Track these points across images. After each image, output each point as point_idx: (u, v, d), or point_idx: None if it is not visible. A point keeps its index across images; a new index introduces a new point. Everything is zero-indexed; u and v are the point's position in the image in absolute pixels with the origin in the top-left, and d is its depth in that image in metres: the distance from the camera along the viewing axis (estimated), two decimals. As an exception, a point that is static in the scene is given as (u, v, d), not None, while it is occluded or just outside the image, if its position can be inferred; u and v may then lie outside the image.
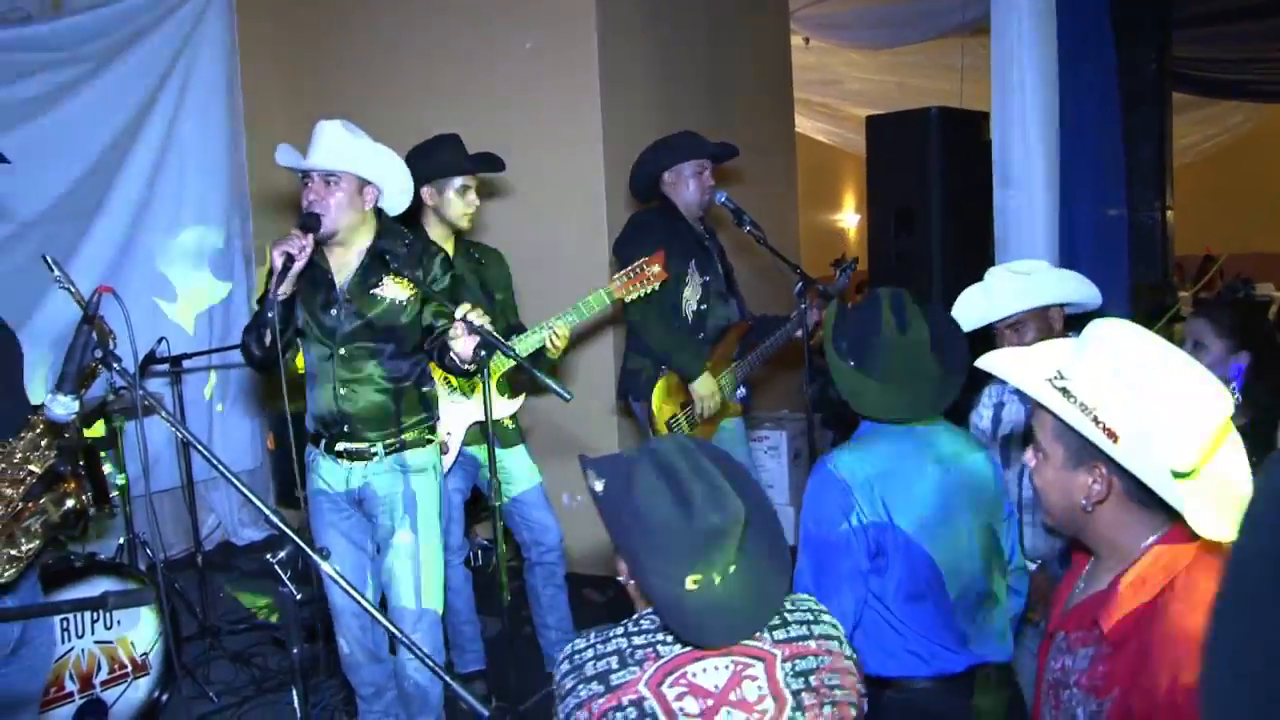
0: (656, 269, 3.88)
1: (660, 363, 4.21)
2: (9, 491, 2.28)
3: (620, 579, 1.85)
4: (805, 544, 2.43)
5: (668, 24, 6.05)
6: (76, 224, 5.21)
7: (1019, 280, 3.17)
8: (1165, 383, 1.56)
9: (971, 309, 3.15)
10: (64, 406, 2.18)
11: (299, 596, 2.07)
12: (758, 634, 1.73)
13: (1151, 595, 1.60)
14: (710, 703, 1.66)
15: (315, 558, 2.06)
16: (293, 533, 2.05)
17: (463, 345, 3.08)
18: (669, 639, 1.71)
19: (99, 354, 2.18)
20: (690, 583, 1.69)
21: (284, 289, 3.03)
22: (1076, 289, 3.24)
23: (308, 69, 6.31)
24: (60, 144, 5.09)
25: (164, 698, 3.99)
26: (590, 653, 1.73)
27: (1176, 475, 1.55)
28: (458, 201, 3.93)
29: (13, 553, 2.31)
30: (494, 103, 5.65)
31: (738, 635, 1.72)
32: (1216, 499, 1.56)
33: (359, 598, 2.04)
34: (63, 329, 4.63)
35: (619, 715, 1.64)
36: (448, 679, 2.03)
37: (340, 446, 3.34)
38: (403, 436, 3.37)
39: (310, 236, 3.10)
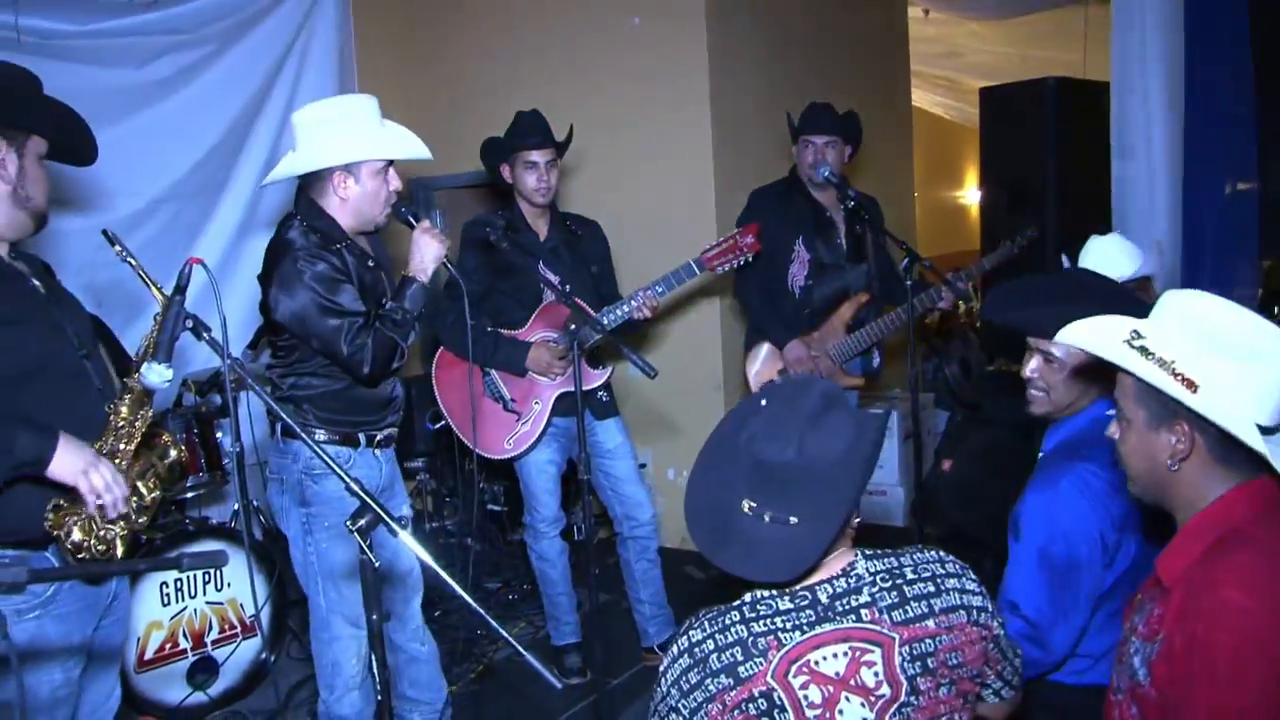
0: (750, 240, 3.91)
1: (757, 331, 4.35)
2: (124, 447, 2.40)
3: None
4: (1043, 561, 2.30)
5: (779, -4, 5.97)
6: (203, 200, 5.38)
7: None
8: (1240, 334, 1.61)
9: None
10: (158, 375, 2.26)
11: (377, 565, 2.10)
12: (877, 615, 1.69)
13: (1209, 542, 1.65)
14: (831, 690, 1.66)
15: (395, 527, 2.10)
16: (373, 501, 2.09)
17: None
18: (788, 625, 1.69)
19: (189, 324, 2.26)
20: (747, 506, 1.70)
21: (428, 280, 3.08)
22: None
23: (420, 49, 6.42)
24: (187, 123, 5.24)
25: (271, 658, 4.14)
26: (711, 644, 1.70)
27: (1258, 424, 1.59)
28: (527, 177, 3.95)
29: (139, 501, 2.46)
30: (603, 78, 5.68)
31: (760, 577, 1.71)
32: None
33: (446, 577, 2.07)
34: (191, 305, 4.82)
35: (750, 707, 1.64)
36: (519, 648, 2.06)
37: (381, 435, 3.23)
38: None
39: None
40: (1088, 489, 2.25)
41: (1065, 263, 3.49)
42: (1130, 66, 4.32)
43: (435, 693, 3.49)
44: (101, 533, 2.34)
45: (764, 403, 1.75)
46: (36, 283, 2.45)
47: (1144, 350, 1.66)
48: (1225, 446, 1.65)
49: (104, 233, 2.44)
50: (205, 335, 2.27)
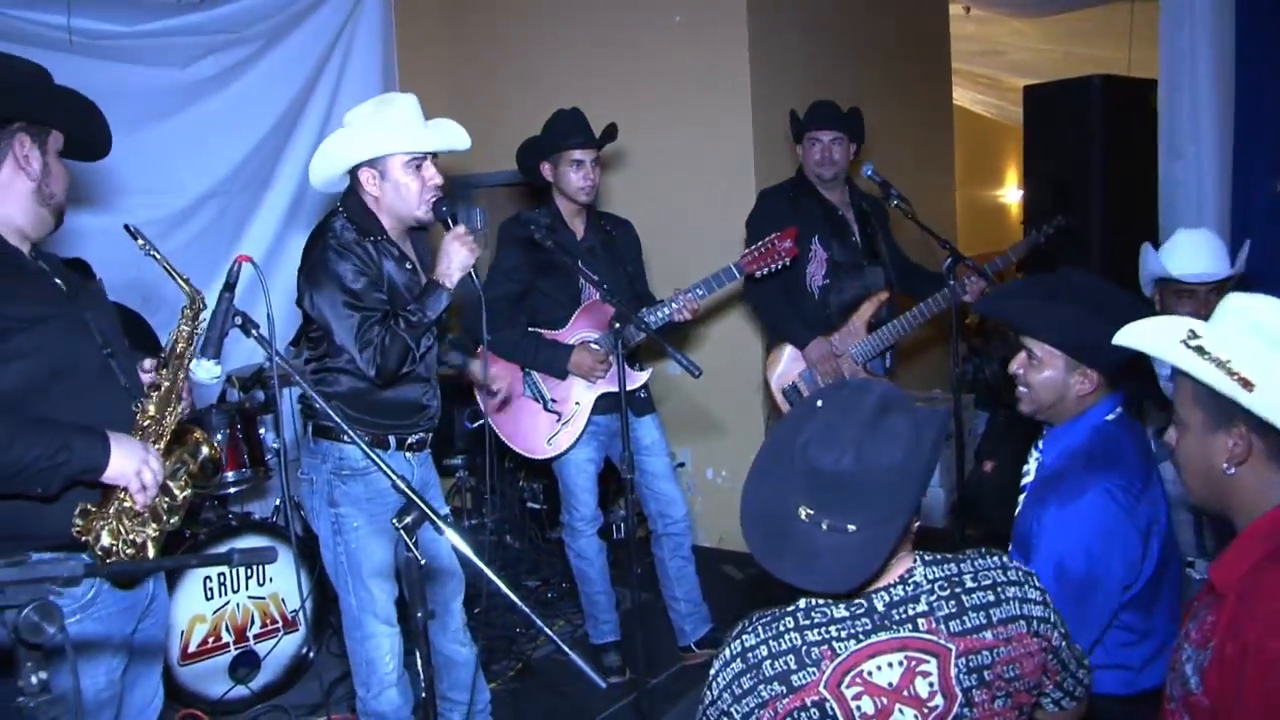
0: (788, 244, 3.91)
1: (775, 333, 4.30)
2: (152, 445, 2.35)
3: None
4: (1059, 575, 2.23)
5: (820, -6, 5.95)
6: (247, 197, 5.42)
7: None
8: None
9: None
10: (207, 371, 2.28)
11: (423, 563, 2.11)
12: (934, 625, 1.67)
13: (1266, 548, 1.61)
14: (885, 701, 1.64)
15: (440, 524, 2.11)
16: (418, 499, 2.10)
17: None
18: (843, 634, 1.67)
19: (238, 320, 2.28)
20: (803, 513, 1.66)
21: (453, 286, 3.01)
22: None
23: (461, 48, 6.44)
24: (232, 121, 5.29)
25: (311, 653, 4.17)
26: (764, 650, 1.68)
27: None
28: (572, 175, 3.95)
29: (170, 501, 2.43)
30: (644, 77, 5.67)
31: (818, 588, 1.66)
32: None
33: (490, 574, 2.07)
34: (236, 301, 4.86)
35: (802, 715, 1.64)
36: (564, 646, 2.06)
37: (413, 439, 3.21)
38: None
39: None
40: (1113, 503, 2.20)
41: (1150, 252, 3.45)
42: (1179, 65, 4.26)
43: (475, 694, 3.50)
44: (131, 536, 2.32)
45: (820, 404, 1.72)
46: (58, 281, 2.40)
47: (1200, 350, 1.64)
48: None
49: (126, 227, 2.41)
50: (254, 332, 2.29)
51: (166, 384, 2.41)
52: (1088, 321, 2.25)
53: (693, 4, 5.56)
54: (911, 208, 4.08)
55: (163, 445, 2.40)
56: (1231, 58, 4.31)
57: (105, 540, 2.28)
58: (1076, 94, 5.32)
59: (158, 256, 2.39)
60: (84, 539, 2.27)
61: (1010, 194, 12.31)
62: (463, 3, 6.42)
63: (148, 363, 2.50)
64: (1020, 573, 1.76)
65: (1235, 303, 1.68)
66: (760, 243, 3.92)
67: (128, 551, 2.31)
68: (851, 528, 1.63)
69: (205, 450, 2.58)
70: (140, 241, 2.37)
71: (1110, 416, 2.35)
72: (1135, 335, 1.76)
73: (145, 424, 2.38)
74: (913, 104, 6.77)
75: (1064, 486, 2.27)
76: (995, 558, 1.77)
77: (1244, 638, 1.54)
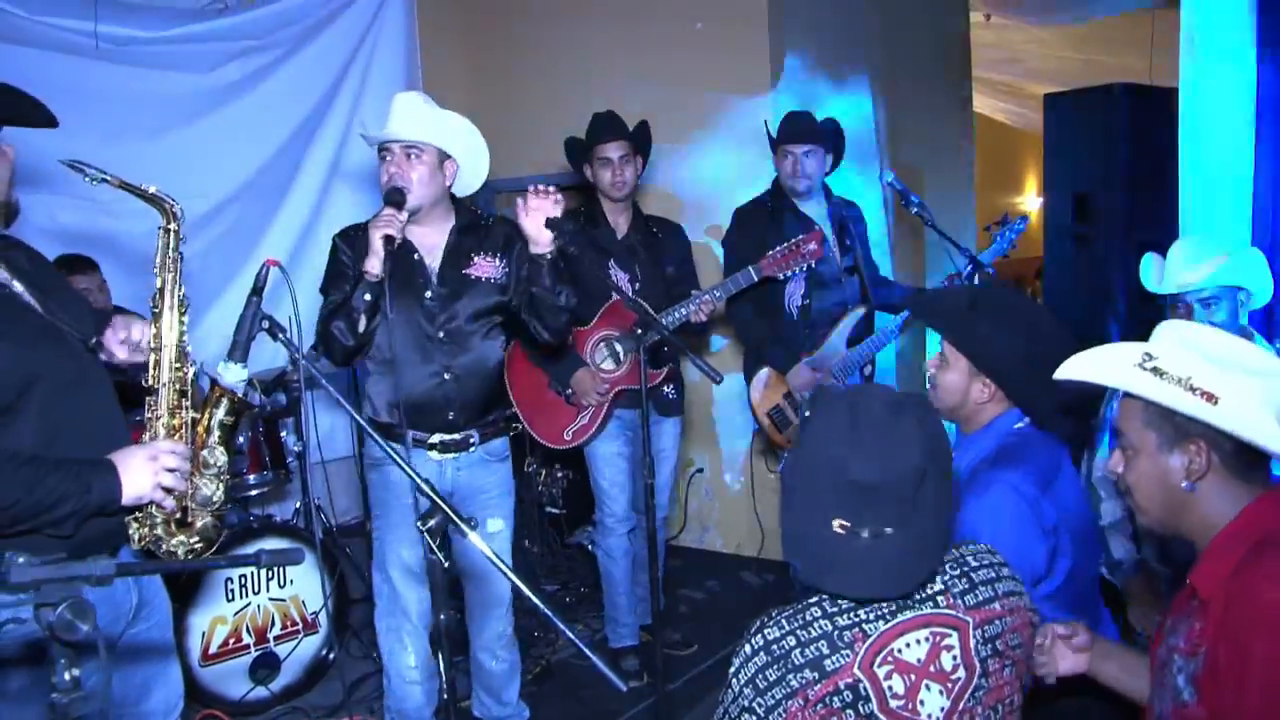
0: (812, 246, 3.92)
1: (756, 356, 4.28)
2: (163, 443, 2.31)
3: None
4: None
5: (841, 2, 5.94)
6: (267, 202, 5.46)
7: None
8: (1244, 353, 1.65)
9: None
10: (234, 374, 2.30)
11: (446, 564, 2.12)
12: (953, 600, 1.74)
13: (1244, 549, 1.63)
14: (913, 679, 1.69)
15: (464, 527, 2.11)
16: (442, 502, 2.11)
17: (531, 225, 3.07)
18: (871, 615, 1.71)
19: (266, 324, 2.29)
20: (837, 525, 1.69)
21: (379, 270, 2.94)
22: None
23: (485, 54, 6.46)
24: (254, 127, 5.34)
25: (331, 655, 4.19)
26: (792, 640, 1.71)
27: None
28: (601, 173, 4.05)
29: (216, 470, 2.41)
30: (665, 82, 5.67)
31: (874, 593, 1.71)
32: None
33: (511, 575, 2.07)
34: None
35: (835, 700, 1.66)
36: (587, 650, 2.07)
37: (436, 439, 3.20)
38: (496, 423, 3.34)
39: (405, 213, 3.03)
40: (1020, 498, 2.22)
41: (1155, 260, 3.44)
42: (1200, 73, 4.24)
43: (503, 707, 3.53)
44: (184, 538, 2.36)
45: (830, 416, 1.74)
46: (19, 286, 2.24)
47: (1157, 370, 1.67)
48: (1242, 459, 1.67)
49: (61, 161, 2.25)
50: (280, 336, 2.30)
51: (160, 347, 2.37)
52: (997, 333, 2.33)
53: (714, 10, 5.57)
54: (931, 214, 4.09)
55: (186, 405, 2.38)
56: (1253, 66, 4.29)
57: (172, 543, 2.35)
58: (1097, 102, 5.32)
59: (110, 179, 2.26)
60: (145, 545, 2.31)
61: (1030, 201, 12.30)
62: (484, 8, 6.45)
63: (136, 327, 2.43)
64: (1001, 556, 1.88)
65: (1171, 329, 1.74)
66: (785, 244, 3.92)
67: (188, 548, 2.36)
68: (889, 530, 1.68)
69: (225, 402, 2.46)
70: (88, 174, 2.23)
71: (1019, 424, 2.39)
72: (1082, 367, 1.79)
73: (158, 413, 2.36)
74: (933, 111, 6.77)
75: (974, 484, 2.30)
76: (983, 544, 1.89)
77: (1235, 639, 1.56)
